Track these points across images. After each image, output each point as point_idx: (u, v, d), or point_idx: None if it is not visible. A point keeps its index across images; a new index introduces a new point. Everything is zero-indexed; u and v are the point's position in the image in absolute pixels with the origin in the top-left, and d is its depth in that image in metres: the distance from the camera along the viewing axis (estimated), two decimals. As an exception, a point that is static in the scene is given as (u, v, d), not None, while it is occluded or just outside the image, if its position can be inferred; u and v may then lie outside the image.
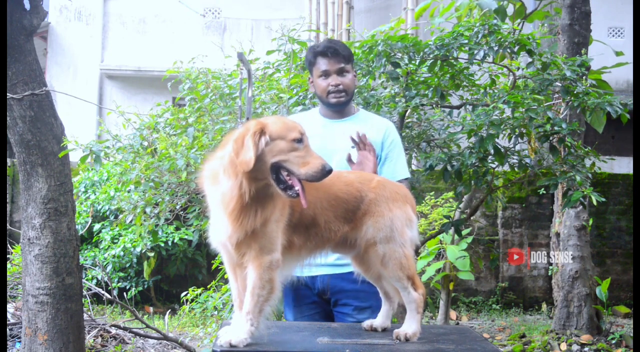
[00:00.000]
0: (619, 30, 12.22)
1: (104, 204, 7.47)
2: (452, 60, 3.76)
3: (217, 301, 4.56)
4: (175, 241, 7.36)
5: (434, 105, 4.03)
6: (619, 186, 8.85)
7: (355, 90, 3.40)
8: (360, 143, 2.80)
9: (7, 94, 3.58)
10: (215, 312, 4.62)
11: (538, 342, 6.22)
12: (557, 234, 6.85)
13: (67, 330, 3.73)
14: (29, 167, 3.71)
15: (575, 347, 6.05)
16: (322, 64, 2.91)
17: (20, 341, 4.48)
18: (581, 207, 6.07)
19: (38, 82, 3.69)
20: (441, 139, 4.26)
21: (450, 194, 6.40)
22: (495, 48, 3.55)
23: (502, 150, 3.68)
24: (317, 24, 10.49)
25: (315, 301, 2.92)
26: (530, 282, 8.67)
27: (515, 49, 3.61)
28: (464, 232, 5.22)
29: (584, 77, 3.80)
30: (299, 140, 2.04)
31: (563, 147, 3.71)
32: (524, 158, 3.83)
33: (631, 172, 9.11)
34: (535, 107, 3.48)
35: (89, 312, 5.59)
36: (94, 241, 7.78)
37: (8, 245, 6.39)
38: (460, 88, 4.02)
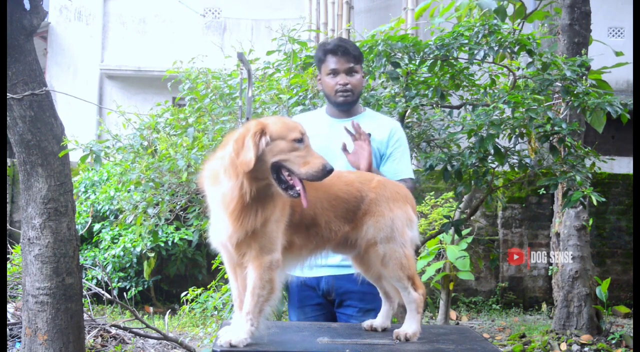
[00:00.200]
0: (619, 30, 12.22)
1: (104, 204, 7.48)
2: (452, 60, 3.76)
3: (217, 301, 4.55)
4: (175, 241, 7.36)
5: (434, 105, 4.03)
6: (619, 186, 8.85)
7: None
8: (356, 133, 2.78)
9: (7, 94, 3.58)
10: (215, 312, 4.61)
11: (538, 342, 6.22)
12: (557, 234, 6.85)
13: (67, 330, 3.72)
14: (29, 167, 3.71)
15: (575, 347, 6.05)
16: (332, 62, 2.89)
17: (20, 341, 4.48)
18: (581, 207, 6.07)
19: (38, 82, 3.69)
20: (441, 139, 4.25)
21: (450, 194, 6.39)
22: (495, 48, 3.55)
23: (502, 150, 3.68)
24: (317, 24, 10.49)
25: (320, 303, 2.91)
26: (530, 282, 8.67)
27: (515, 49, 3.61)
28: (464, 232, 5.21)
29: (584, 77, 3.79)
30: (300, 140, 2.04)
31: (563, 147, 3.71)
32: (524, 158, 3.83)
33: (631, 172, 9.10)
34: (535, 107, 3.48)
35: (89, 312, 5.59)
36: (94, 241, 7.78)
37: (8, 245, 6.39)
38: (460, 88, 4.02)
